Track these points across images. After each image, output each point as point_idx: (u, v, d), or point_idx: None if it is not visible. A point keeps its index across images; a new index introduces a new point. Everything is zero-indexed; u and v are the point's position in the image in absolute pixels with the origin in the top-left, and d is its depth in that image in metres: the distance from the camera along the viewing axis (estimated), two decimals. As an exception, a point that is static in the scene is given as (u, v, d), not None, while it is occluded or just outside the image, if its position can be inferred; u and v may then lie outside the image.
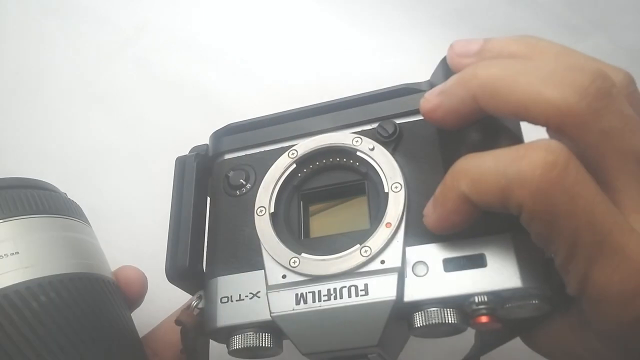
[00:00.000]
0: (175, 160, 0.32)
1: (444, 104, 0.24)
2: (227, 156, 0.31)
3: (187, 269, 0.29)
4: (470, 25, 0.50)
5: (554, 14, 0.48)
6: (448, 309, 0.24)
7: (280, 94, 0.49)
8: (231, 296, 0.27)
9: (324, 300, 0.25)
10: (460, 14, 0.50)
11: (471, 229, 0.24)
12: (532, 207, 0.21)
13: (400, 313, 0.25)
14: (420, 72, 0.50)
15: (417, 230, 0.25)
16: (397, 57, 0.50)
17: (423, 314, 0.24)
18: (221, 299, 0.28)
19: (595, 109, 0.21)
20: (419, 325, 0.24)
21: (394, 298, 0.24)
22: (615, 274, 0.20)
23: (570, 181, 0.20)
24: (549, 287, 0.24)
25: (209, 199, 0.32)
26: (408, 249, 0.25)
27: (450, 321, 0.24)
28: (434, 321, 0.24)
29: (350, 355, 0.25)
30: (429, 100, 0.25)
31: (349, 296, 0.25)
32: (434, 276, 0.24)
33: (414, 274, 0.25)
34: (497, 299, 0.24)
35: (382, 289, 0.25)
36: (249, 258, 0.28)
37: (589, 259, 0.21)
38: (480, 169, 0.22)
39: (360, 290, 0.25)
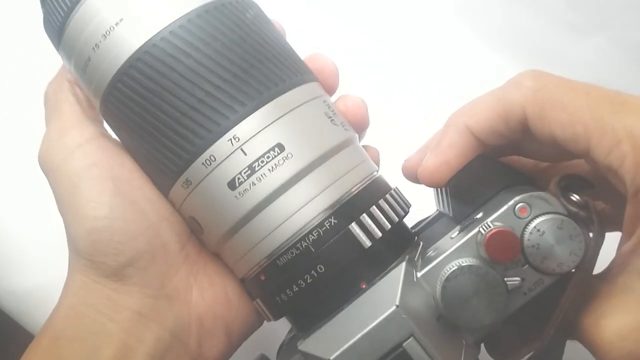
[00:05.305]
0: None
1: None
2: None
3: None
4: (471, 25, 0.50)
5: (554, 13, 0.48)
6: None
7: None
8: None
9: None
10: (460, 14, 0.50)
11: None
12: (535, 101, 0.23)
13: None
14: (419, 70, 0.50)
15: None
16: (396, 57, 0.50)
17: None
18: None
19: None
20: None
21: None
22: None
23: (564, 82, 0.23)
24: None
25: None
26: None
27: None
28: None
29: None
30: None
31: None
32: None
33: None
34: None
35: None
36: None
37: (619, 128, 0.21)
38: (479, 100, 0.25)
39: None
